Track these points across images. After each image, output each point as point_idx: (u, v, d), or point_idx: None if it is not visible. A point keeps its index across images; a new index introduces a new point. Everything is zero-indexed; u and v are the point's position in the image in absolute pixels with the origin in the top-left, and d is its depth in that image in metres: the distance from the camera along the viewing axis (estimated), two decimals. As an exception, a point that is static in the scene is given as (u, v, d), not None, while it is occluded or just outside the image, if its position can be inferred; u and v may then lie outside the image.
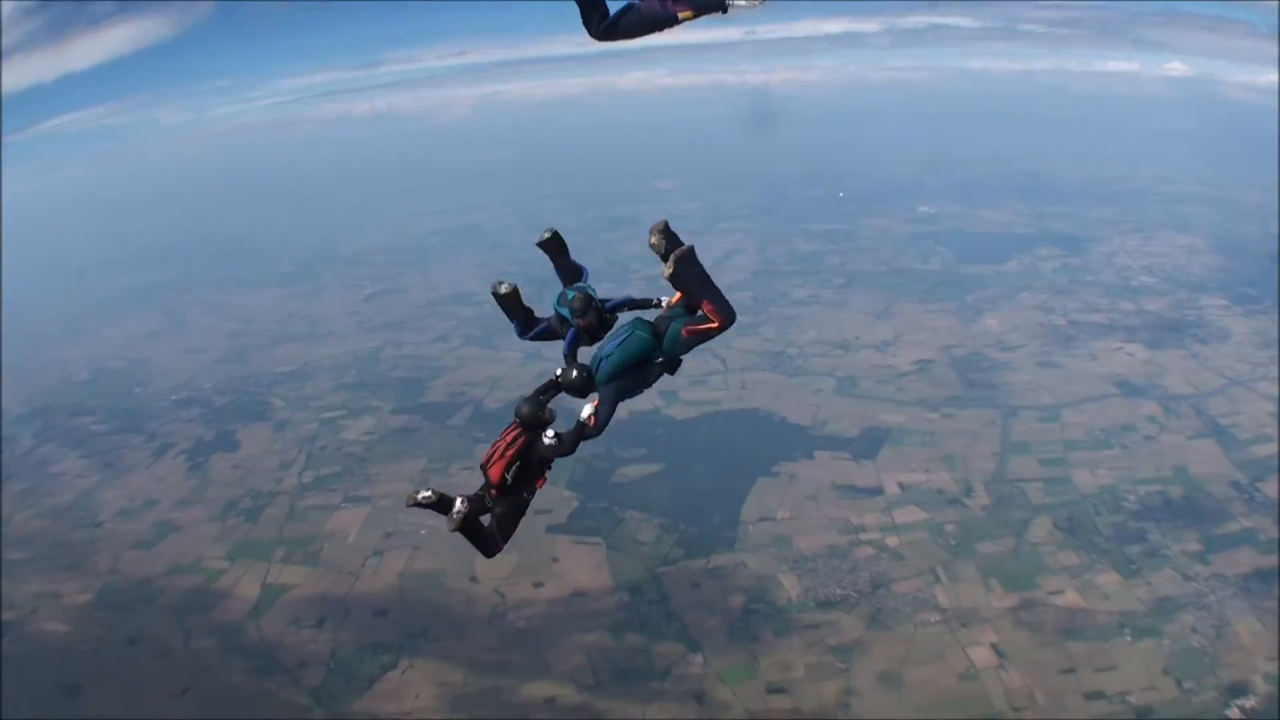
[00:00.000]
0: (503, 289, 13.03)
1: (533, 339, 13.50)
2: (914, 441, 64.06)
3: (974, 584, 50.40)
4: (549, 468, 12.23)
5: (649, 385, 12.24)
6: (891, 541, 54.01)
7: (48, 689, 48.05)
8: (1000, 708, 42.48)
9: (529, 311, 13.34)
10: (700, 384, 74.03)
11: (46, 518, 65.29)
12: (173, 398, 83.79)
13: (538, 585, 53.15)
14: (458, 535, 11.83)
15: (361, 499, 63.71)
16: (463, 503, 11.66)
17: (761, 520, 56.74)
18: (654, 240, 11.47)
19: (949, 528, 54.99)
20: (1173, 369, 71.77)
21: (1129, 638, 45.91)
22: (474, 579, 54.17)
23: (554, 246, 13.43)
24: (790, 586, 51.26)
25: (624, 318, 12.51)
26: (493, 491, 12.02)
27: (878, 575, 51.35)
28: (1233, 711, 41.51)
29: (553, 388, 12.30)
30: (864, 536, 54.56)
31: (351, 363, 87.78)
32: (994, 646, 45.92)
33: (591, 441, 11.67)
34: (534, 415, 11.72)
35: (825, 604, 49.73)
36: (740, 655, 46.90)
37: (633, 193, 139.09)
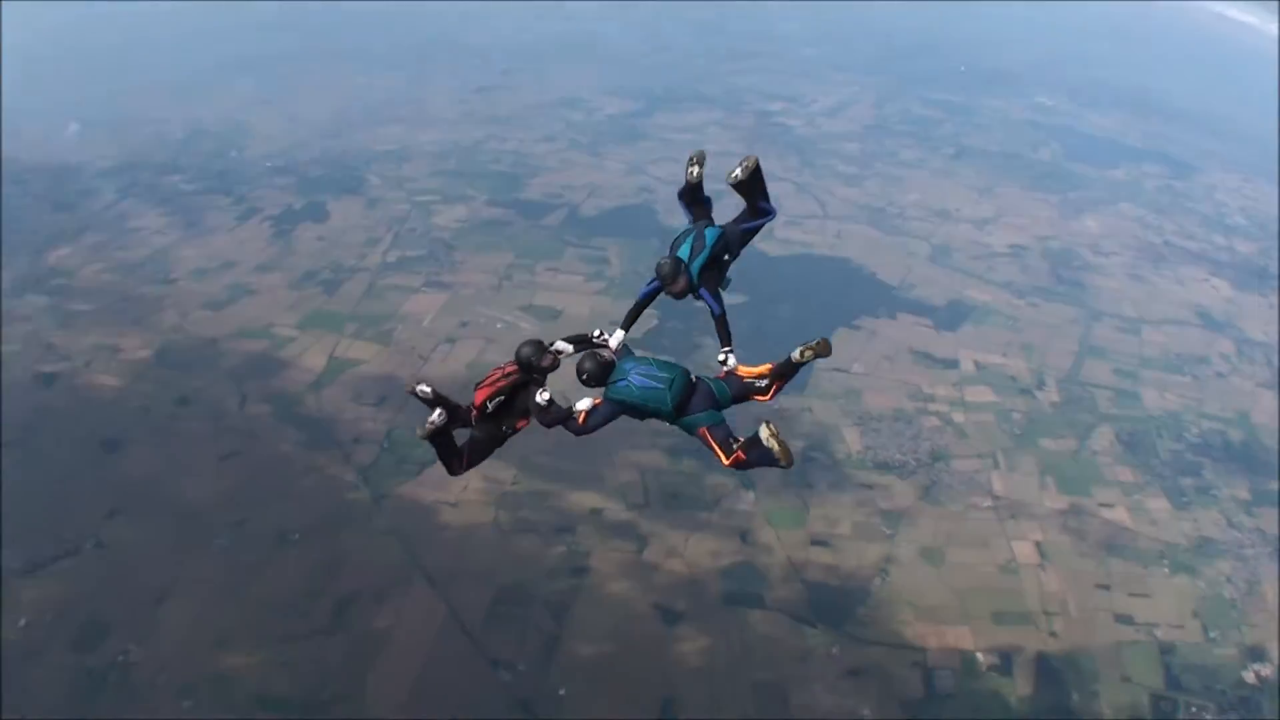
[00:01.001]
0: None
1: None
2: (996, 323, 62.50)
3: (1030, 477, 49.28)
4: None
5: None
6: (958, 417, 52.89)
7: (88, 444, 47.95)
8: (1033, 607, 41.83)
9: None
10: (795, 224, 72.46)
11: (117, 272, 64.66)
12: (267, 164, 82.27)
13: None
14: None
15: (443, 285, 63.02)
16: (440, 415, 11.93)
17: (835, 370, 55.67)
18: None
19: (1016, 415, 53.73)
20: (1252, 313, 68.97)
21: (1167, 569, 44.74)
22: None
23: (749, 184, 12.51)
24: (852, 441, 50.49)
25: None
26: (474, 413, 12.34)
27: (939, 448, 50.39)
28: (1249, 675, 40.38)
29: (581, 342, 12.91)
30: (932, 407, 53.47)
31: (452, 151, 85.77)
32: (1038, 545, 44.96)
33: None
34: (529, 360, 12.15)
35: (883, 466, 48.95)
36: (791, 501, 46.30)
37: (753, 30, 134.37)
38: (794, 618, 40.50)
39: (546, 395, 11.95)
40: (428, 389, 12.25)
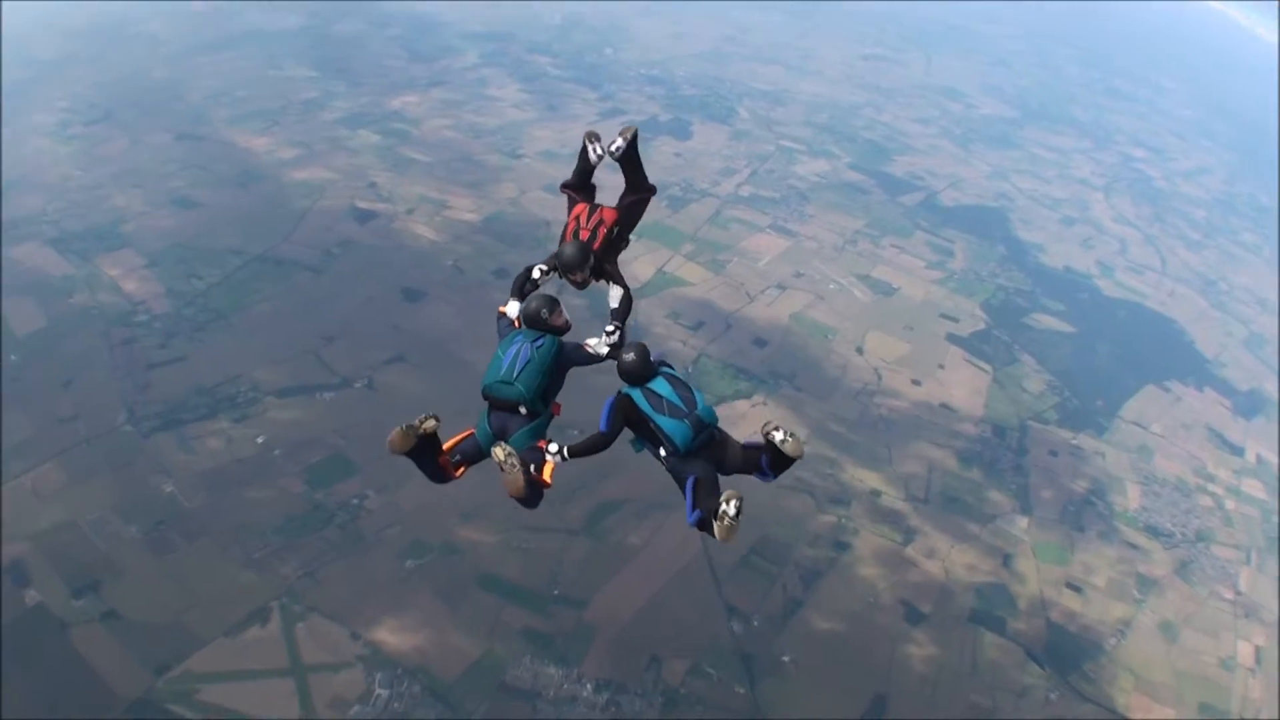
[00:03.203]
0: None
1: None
2: (1286, 423, 58.21)
3: (1273, 582, 46.39)
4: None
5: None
6: (1230, 505, 50.20)
7: (389, 287, 49.22)
8: (1234, 708, 39.78)
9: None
10: (1136, 273, 70.20)
11: (464, 132, 66.32)
12: (641, 71, 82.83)
13: (916, 382, 52.03)
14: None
15: (788, 231, 62.78)
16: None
17: (1135, 424, 53.77)
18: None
19: (1277, 519, 50.39)
20: None
21: None
22: (860, 350, 53.30)
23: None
24: (1133, 497, 48.73)
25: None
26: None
27: (1204, 530, 48.01)
28: None
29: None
30: (1211, 488, 50.88)
31: (828, 106, 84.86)
32: (1257, 649, 42.51)
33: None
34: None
35: (1151, 530, 47.09)
36: (1060, 538, 45.05)
37: (1135, 73, 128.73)
38: (1027, 652, 39.44)
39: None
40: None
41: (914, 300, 58.95)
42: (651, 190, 11.34)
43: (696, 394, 10.07)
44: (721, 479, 10.18)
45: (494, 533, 37.71)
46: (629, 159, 10.96)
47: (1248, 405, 58.97)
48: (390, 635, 33.94)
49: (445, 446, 9.98)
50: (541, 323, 10.29)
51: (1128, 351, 60.30)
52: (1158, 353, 61.55)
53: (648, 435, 10.06)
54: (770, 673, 35.90)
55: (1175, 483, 50.53)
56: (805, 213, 65.50)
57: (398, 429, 9.24)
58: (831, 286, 57.91)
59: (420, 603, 35.05)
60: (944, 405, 50.97)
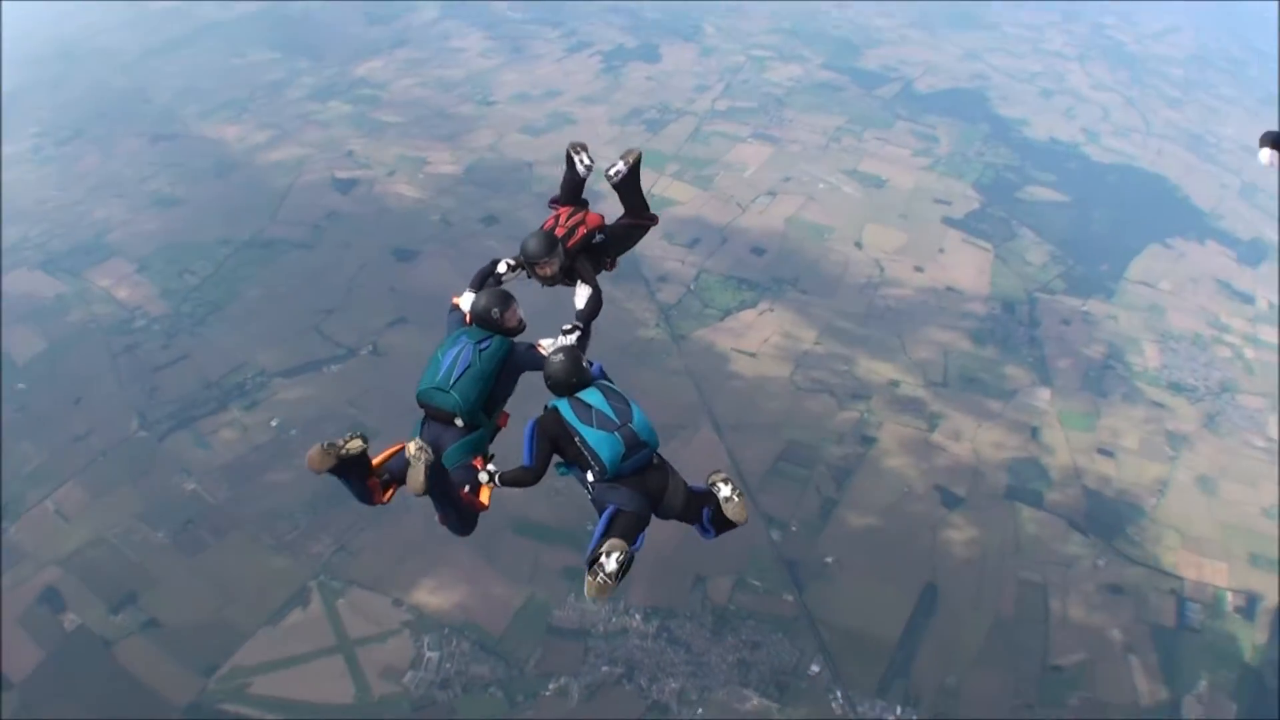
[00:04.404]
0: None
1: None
2: (1292, 267, 56.83)
3: None
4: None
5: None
6: (1249, 353, 48.92)
7: (380, 250, 48.16)
8: None
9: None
10: (1122, 135, 68.26)
11: (433, 88, 64.74)
12: (602, 2, 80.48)
13: (918, 269, 50.86)
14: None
15: (770, 138, 61.25)
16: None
17: (1143, 284, 52.57)
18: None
19: None
20: None
21: None
22: (859, 244, 52.13)
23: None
24: (1151, 356, 47.59)
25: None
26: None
27: (1228, 380, 46.79)
28: None
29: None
30: (1227, 338, 49.64)
31: (792, 11, 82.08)
32: None
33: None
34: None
35: (1175, 386, 45.92)
36: (1084, 404, 43.93)
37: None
38: (1068, 523, 38.33)
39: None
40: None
41: (905, 189, 57.55)
42: (653, 220, 10.37)
43: (634, 407, 8.28)
44: (655, 523, 8.42)
45: (519, 477, 36.29)
46: (628, 185, 9.99)
47: (1251, 254, 57.47)
48: (431, 596, 33.25)
49: (374, 463, 8.57)
50: (491, 322, 8.87)
51: (1125, 214, 58.86)
52: (1155, 211, 60.08)
53: (575, 456, 8.26)
54: (815, 576, 35.07)
55: (1191, 337, 49.37)
56: (784, 118, 63.93)
57: (317, 446, 7.87)
58: (821, 186, 56.53)
59: (456, 558, 33.91)
60: (949, 288, 49.84)
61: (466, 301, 9.31)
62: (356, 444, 7.99)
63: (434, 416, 8.67)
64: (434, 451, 7.93)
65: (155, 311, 44.30)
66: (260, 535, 34.68)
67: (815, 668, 32.37)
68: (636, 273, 47.17)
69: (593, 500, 8.28)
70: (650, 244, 44.83)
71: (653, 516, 8.35)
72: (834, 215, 54.04)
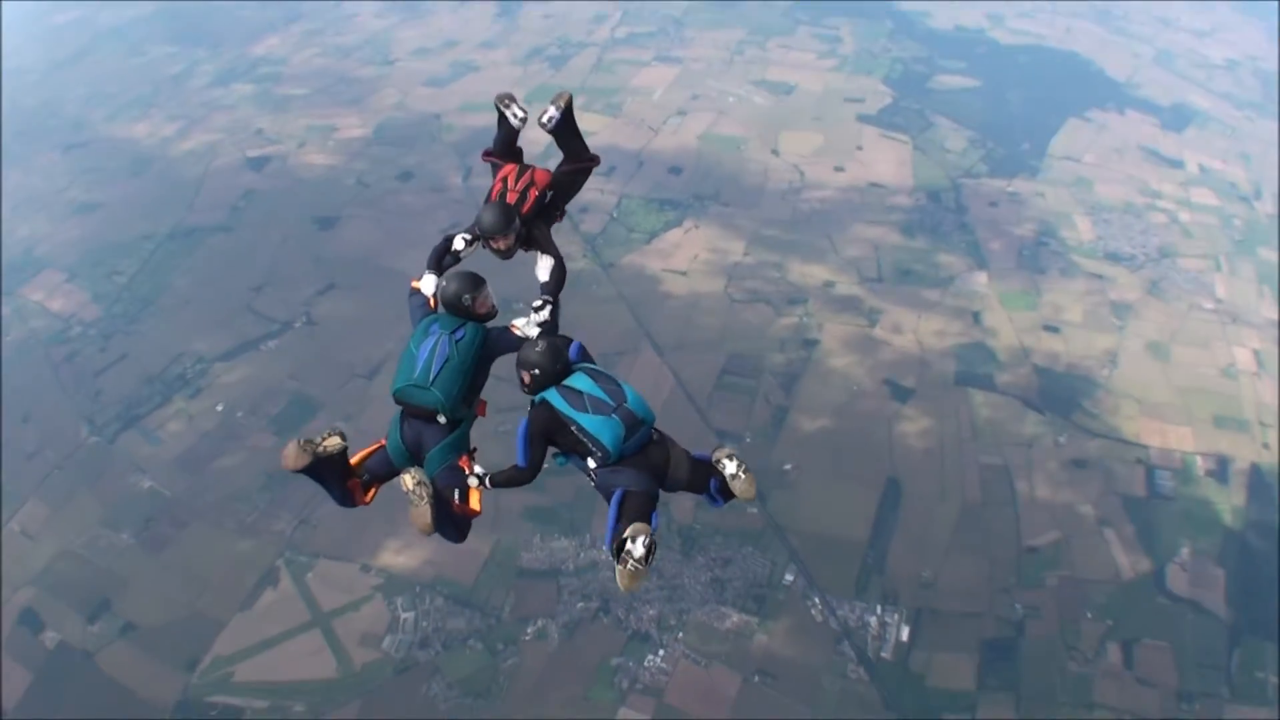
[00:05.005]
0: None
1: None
2: (1217, 130, 56.33)
3: (1249, 284, 44.69)
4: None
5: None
6: (1184, 216, 48.18)
7: (301, 222, 47.09)
8: (1250, 416, 37.75)
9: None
10: (1027, 16, 66.94)
11: (333, 55, 63.54)
12: None
13: (838, 169, 49.57)
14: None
15: (673, 59, 59.73)
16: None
17: (1066, 158, 51.61)
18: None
19: (1236, 222, 48.72)
20: None
21: None
22: (776, 152, 50.81)
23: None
24: (1084, 229, 46.69)
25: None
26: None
27: (1166, 245, 46.01)
28: None
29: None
30: (1160, 204, 48.79)
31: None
32: (1256, 353, 40.55)
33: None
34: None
35: (1113, 256, 45.12)
36: (1023, 284, 43.13)
37: None
38: (1023, 402, 37.41)
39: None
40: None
41: (815, 92, 56.36)
42: (594, 160, 9.68)
43: (625, 387, 7.93)
44: (663, 496, 8.03)
45: (469, 423, 35.31)
46: (565, 128, 9.38)
47: (1175, 119, 56.69)
48: (398, 557, 32.72)
49: (352, 463, 8.19)
50: (463, 309, 8.25)
51: (1040, 93, 57.97)
52: (1070, 87, 59.01)
53: (572, 445, 7.93)
54: (777, 485, 34.22)
55: (1122, 207, 48.57)
56: (685, 37, 62.37)
57: (292, 443, 7.56)
58: (730, 100, 55.23)
59: None
60: (872, 184, 48.83)
61: (428, 285, 8.67)
62: (335, 441, 7.69)
63: (413, 414, 8.11)
64: (418, 451, 7.98)
65: (89, 317, 43.31)
66: (222, 521, 34.11)
67: (789, 577, 32.05)
68: (559, 207, 45.50)
69: (597, 486, 7.90)
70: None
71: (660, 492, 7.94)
72: (747, 126, 52.91)
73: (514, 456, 7.83)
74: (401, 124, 54.64)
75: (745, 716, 29.09)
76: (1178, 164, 52.58)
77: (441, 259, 8.86)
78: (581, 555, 32.49)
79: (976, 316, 41.20)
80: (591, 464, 7.80)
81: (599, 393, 7.72)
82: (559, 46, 61.66)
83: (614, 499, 7.66)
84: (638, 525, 7.21)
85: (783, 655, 30.32)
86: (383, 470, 8.24)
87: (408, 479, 7.44)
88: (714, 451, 7.82)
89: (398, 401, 8.07)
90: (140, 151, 55.23)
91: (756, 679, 29.77)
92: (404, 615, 31.07)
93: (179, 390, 38.98)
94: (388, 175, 50.14)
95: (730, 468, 7.66)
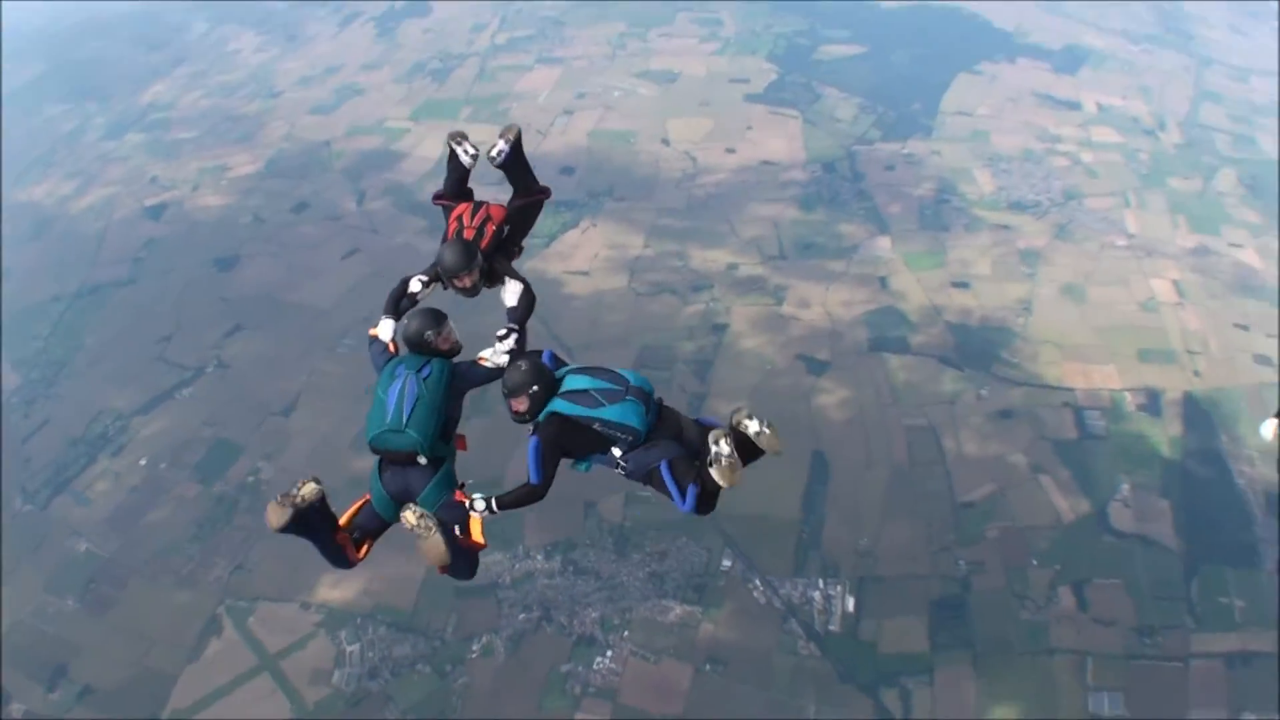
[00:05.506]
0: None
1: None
2: (1113, 67, 56.39)
3: (1161, 216, 44.63)
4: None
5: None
6: (1086, 157, 48.01)
7: (202, 265, 46.01)
8: (1176, 346, 37.71)
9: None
10: (909, -20, 67.16)
11: (218, 95, 62.40)
12: None
13: (730, 151, 49.12)
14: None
15: (555, 60, 59.12)
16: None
17: (960, 114, 51.40)
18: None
19: (1142, 156, 48.55)
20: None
21: None
22: (666, 141, 50.34)
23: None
24: (984, 182, 46.39)
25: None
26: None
27: (1070, 187, 45.86)
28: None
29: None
30: (1060, 147, 48.66)
31: (553, -65, 79.89)
32: (1175, 283, 40.47)
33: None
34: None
35: (1017, 206, 44.84)
36: (928, 243, 42.71)
37: None
38: (940, 361, 37.12)
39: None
40: (471, 150, 8.86)
41: (700, 78, 56.09)
42: (545, 192, 9.68)
43: (618, 370, 7.94)
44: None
45: (386, 450, 34.83)
46: (514, 162, 9.26)
47: (1068, 61, 56.72)
48: (334, 591, 32.21)
49: (341, 522, 7.88)
50: (426, 346, 8.00)
51: (926, 52, 57.70)
52: (957, 43, 58.80)
53: (592, 445, 7.79)
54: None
55: (1021, 155, 48.47)
56: (565, 37, 61.85)
57: (272, 502, 7.25)
58: (616, 94, 54.74)
59: None
60: (765, 162, 48.46)
61: (386, 330, 8.48)
62: (311, 488, 7.44)
63: (392, 460, 7.90)
64: (405, 499, 7.72)
65: (11, 385, 42.31)
66: (158, 576, 33.48)
67: (727, 563, 31.86)
68: (454, 216, 45.04)
69: (630, 473, 7.87)
70: (459, 190, 44.94)
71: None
72: (635, 119, 52.54)
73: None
74: (292, 155, 53.73)
75: (700, 706, 28.72)
76: (1075, 106, 52.45)
77: (398, 302, 8.64)
78: (516, 567, 32.00)
79: (883, 282, 40.90)
80: (618, 453, 7.74)
81: (602, 384, 7.70)
82: (440, 60, 60.97)
83: (663, 471, 7.66)
84: (717, 433, 7.26)
85: (730, 641, 30.01)
86: (373, 525, 8.00)
87: (409, 516, 7.28)
88: (733, 416, 7.68)
89: (374, 451, 7.86)
90: (41, 213, 54.08)
91: (708, 668, 29.40)
92: (349, 648, 30.69)
93: (102, 449, 37.98)
94: (283, 208, 49.27)
95: (753, 426, 7.51)
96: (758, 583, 30.97)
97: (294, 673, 30.12)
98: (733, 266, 41.97)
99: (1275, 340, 37.63)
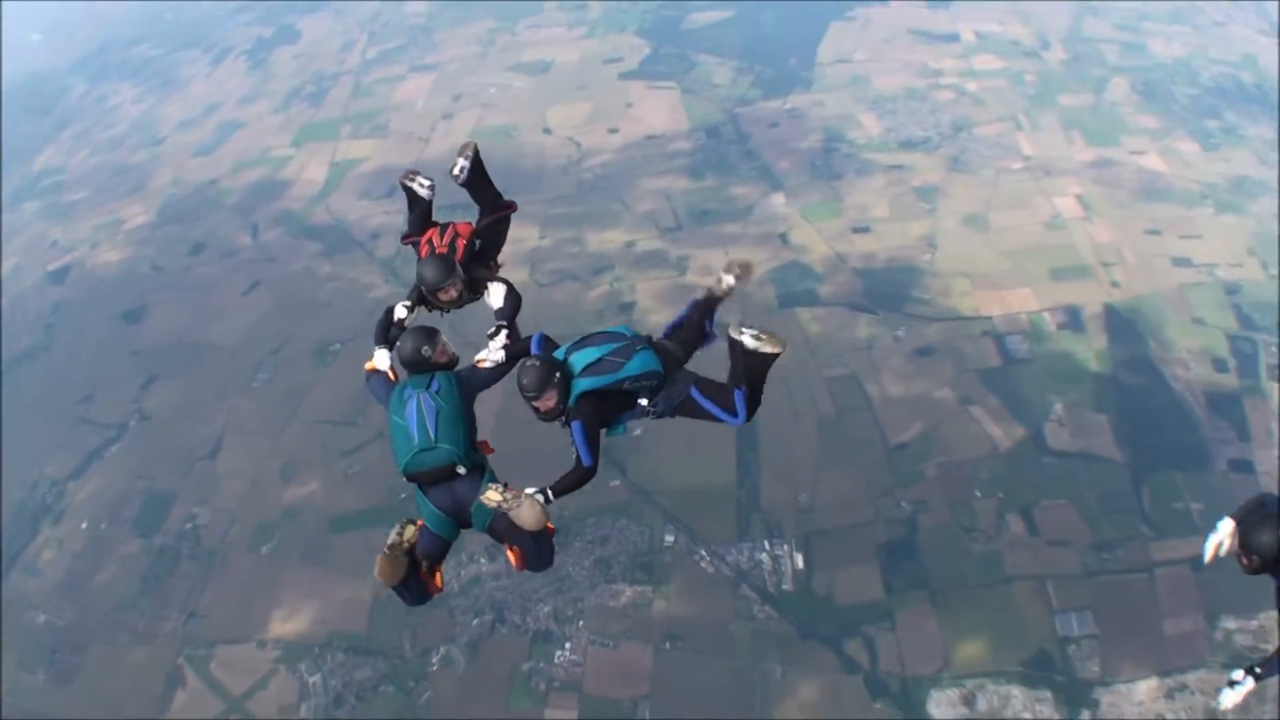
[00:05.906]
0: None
1: None
2: (987, -5, 56.97)
3: (1056, 134, 44.52)
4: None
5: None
6: (971, 86, 47.92)
7: (110, 322, 45.16)
8: (1089, 260, 37.58)
9: None
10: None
11: (104, 151, 61.45)
12: (230, 4, 76.80)
13: (612, 131, 48.78)
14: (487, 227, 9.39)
15: (428, 66, 58.52)
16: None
17: (837, 62, 51.20)
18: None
19: (1028, 78, 48.62)
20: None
21: (1212, 209, 39.94)
22: (547, 130, 50.03)
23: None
24: (870, 125, 46.12)
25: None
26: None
27: (959, 119, 45.62)
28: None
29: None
30: (943, 81, 48.58)
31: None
32: (1079, 198, 40.30)
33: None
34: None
35: (907, 144, 44.48)
36: (822, 194, 42.24)
37: None
38: (850, 308, 36.89)
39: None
40: (426, 181, 9.22)
41: (572, 63, 55.96)
42: (510, 206, 9.72)
43: (612, 329, 8.27)
44: None
45: (315, 479, 35.56)
46: (476, 178, 9.30)
47: None
48: (287, 624, 31.43)
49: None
50: (425, 363, 8.01)
51: (794, 7, 57.49)
52: None
53: (620, 406, 8.01)
54: (631, 452, 33.17)
55: (904, 94, 48.22)
56: (435, 41, 61.54)
57: (381, 557, 7.39)
58: (492, 91, 54.33)
59: (293, 581, 32.69)
60: (649, 137, 48.16)
61: (382, 359, 8.53)
62: (411, 531, 7.73)
63: (431, 481, 7.70)
64: (461, 512, 7.75)
65: None
66: (115, 637, 32.38)
67: (670, 538, 31.27)
68: (350, 239, 45.80)
69: (662, 412, 8.18)
70: (349, 207, 47.42)
71: None
72: (514, 113, 52.23)
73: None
74: (182, 199, 53.00)
75: (665, 683, 28.34)
76: (953, 38, 52.25)
77: (387, 331, 8.77)
78: (462, 573, 31.23)
79: (783, 238, 40.53)
80: (644, 402, 8.01)
81: (610, 347, 7.87)
82: (315, 83, 60.44)
83: (696, 397, 7.95)
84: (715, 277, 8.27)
85: (686, 615, 29.66)
86: (435, 548, 7.94)
87: (492, 494, 7.35)
88: (729, 329, 7.89)
89: (411, 478, 7.76)
90: (-59, 295, 54.19)
91: (668, 645, 28.98)
92: (311, 679, 29.86)
93: (43, 519, 37.05)
94: (180, 253, 48.38)
95: (748, 337, 7.71)
96: (704, 554, 30.62)
97: (261, 712, 29.62)
98: (630, 244, 41.63)
99: (1190, 241, 37.90)
